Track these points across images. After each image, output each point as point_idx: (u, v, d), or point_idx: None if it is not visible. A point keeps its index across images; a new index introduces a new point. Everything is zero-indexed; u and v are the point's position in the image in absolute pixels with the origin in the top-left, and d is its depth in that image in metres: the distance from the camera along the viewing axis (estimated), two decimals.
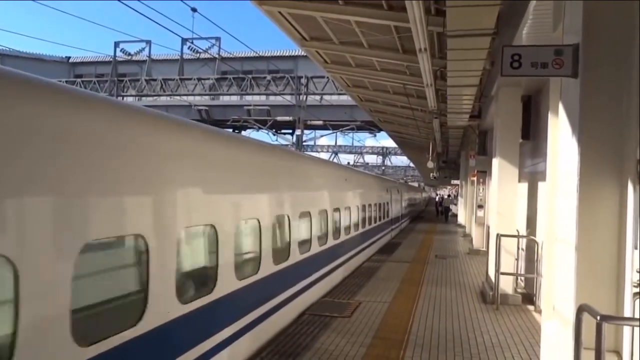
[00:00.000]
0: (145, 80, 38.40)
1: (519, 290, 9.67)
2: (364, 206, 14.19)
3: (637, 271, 4.12)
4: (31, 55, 45.93)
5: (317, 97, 35.09)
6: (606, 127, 3.73)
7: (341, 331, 7.15)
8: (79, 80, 40.36)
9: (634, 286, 3.97)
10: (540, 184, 8.74)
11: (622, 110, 3.70)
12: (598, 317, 3.00)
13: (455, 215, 37.79)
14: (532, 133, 9.97)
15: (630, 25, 3.67)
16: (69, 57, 48.35)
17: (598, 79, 3.72)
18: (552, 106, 5.45)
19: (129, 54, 44.40)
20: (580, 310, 3.24)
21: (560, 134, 4.37)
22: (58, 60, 47.48)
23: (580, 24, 3.77)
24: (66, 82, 35.76)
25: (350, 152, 60.33)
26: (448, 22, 6.32)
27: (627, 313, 3.68)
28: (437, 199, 49.16)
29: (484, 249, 15.05)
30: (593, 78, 3.72)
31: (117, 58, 44.11)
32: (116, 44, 44.52)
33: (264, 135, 43.50)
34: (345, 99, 29.81)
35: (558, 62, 3.89)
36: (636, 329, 3.58)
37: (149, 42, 44.21)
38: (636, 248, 4.06)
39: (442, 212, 38.15)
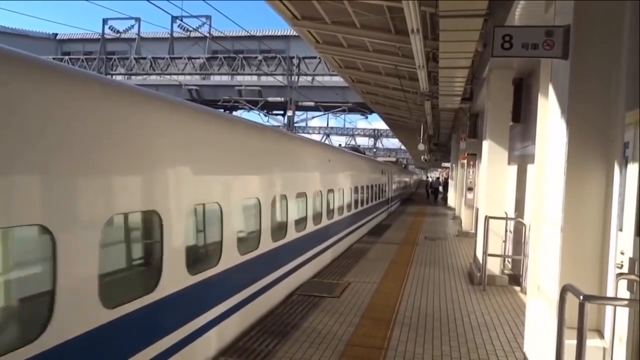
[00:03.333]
0: (135, 58, 37.83)
1: (505, 271, 9.80)
2: None
3: (621, 252, 4.19)
4: (17, 32, 44.98)
5: (309, 78, 34.82)
6: (594, 109, 3.74)
7: (330, 311, 7.22)
8: (66, 57, 39.65)
9: (618, 267, 4.04)
10: (530, 167, 8.80)
11: (611, 93, 3.72)
12: (581, 297, 3.04)
13: (445, 199, 38.12)
14: (522, 116, 9.99)
15: (620, 7, 3.66)
16: (56, 34, 47.44)
17: (588, 61, 3.72)
18: (542, 88, 5.45)
19: (118, 32, 43.66)
20: (564, 290, 3.29)
21: (549, 116, 4.38)
22: (45, 37, 46.56)
23: (571, 5, 3.76)
24: (53, 59, 35.14)
25: (342, 134, 60.26)
26: (440, 3, 6.26)
27: (609, 293, 3.75)
28: (427, 182, 49.82)
29: (473, 231, 15.20)
30: (583, 60, 3.73)
31: (105, 36, 43.34)
32: (104, 21, 43.72)
33: (255, 116, 43.24)
34: (337, 80, 29.62)
35: (549, 43, 3.88)
36: (618, 309, 3.65)
37: (138, 20, 43.49)
38: (621, 230, 4.11)
39: (432, 193, 38.85)
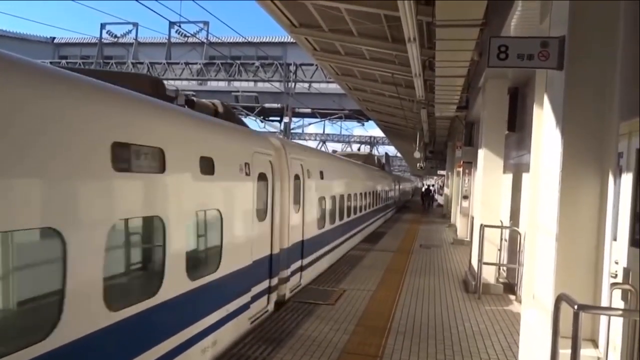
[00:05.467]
0: (132, 63, 37.83)
1: (500, 280, 9.81)
2: None
3: (615, 262, 4.20)
4: (14, 35, 44.90)
5: (306, 85, 34.89)
6: (589, 120, 3.77)
7: (325, 318, 7.20)
8: (63, 61, 39.60)
9: (612, 276, 4.05)
10: (525, 176, 8.84)
11: (605, 103, 3.75)
12: (575, 307, 3.05)
13: (441, 205, 38.25)
14: (518, 125, 10.04)
15: (614, 18, 3.70)
16: (54, 38, 47.36)
17: (582, 72, 3.75)
18: (538, 98, 5.49)
19: (115, 36, 43.63)
20: (559, 299, 3.30)
21: (545, 126, 4.41)
22: (42, 40, 46.52)
23: (566, 17, 3.80)
24: (51, 63, 35.11)
25: (339, 141, 60.29)
26: (437, 12, 6.31)
27: (604, 303, 3.76)
28: (422, 190, 50.28)
29: (468, 239, 15.22)
30: (577, 70, 3.76)
31: (103, 40, 43.34)
32: (102, 26, 43.68)
33: (251, 122, 43.29)
34: (334, 87, 29.67)
35: (544, 54, 3.91)
36: (612, 319, 3.66)
37: (135, 25, 43.47)
38: (615, 239, 4.13)
39: (427, 200, 39.54)
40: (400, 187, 37.49)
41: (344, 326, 6.84)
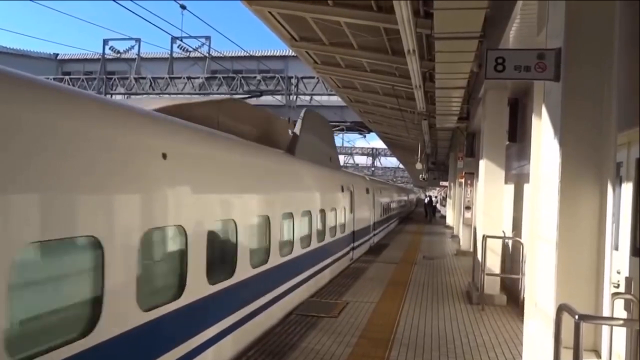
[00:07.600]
0: (135, 78, 38.11)
1: (504, 291, 9.76)
2: None
3: (617, 272, 4.20)
4: (17, 52, 45.38)
5: (307, 98, 35.09)
6: (587, 130, 3.80)
7: (328, 331, 7.17)
8: (67, 77, 39.96)
9: (615, 286, 4.05)
10: (526, 186, 8.85)
11: (603, 113, 3.78)
12: (576, 317, 3.05)
13: (443, 216, 38.22)
14: (518, 135, 10.08)
15: (610, 30, 3.74)
16: (57, 54, 47.86)
17: (579, 83, 3.79)
18: (536, 109, 5.53)
19: (118, 52, 44.03)
20: (560, 309, 3.30)
21: (543, 136, 4.44)
22: (45, 57, 47.01)
23: (562, 29, 3.84)
24: (54, 79, 35.43)
25: (340, 153, 60.44)
26: (435, 25, 6.38)
27: (606, 313, 3.75)
28: (425, 201, 50.39)
29: (472, 250, 15.15)
30: (574, 81, 3.79)
31: (106, 56, 43.72)
32: (105, 42, 44.09)
33: None
34: (335, 99, 29.82)
35: (540, 66, 3.95)
36: (615, 329, 3.65)
37: (138, 40, 43.84)
38: (616, 249, 4.14)
39: (431, 211, 39.63)
40: (381, 201, 21.93)
41: (347, 339, 6.81)
